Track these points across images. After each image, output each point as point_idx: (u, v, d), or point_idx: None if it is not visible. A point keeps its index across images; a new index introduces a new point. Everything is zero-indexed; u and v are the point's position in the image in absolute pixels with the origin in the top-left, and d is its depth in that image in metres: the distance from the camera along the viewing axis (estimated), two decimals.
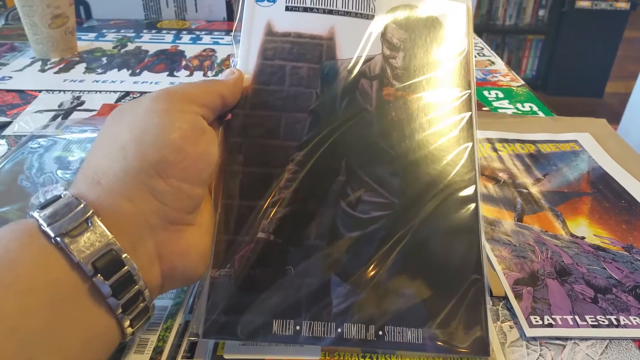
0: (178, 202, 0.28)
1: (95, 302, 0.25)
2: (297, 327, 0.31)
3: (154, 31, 0.94)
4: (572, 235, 0.45)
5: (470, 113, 0.38)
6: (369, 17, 0.40)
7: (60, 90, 0.69)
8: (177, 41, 0.89)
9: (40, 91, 0.69)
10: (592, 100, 2.82)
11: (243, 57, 0.38)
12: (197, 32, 0.94)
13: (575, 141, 0.60)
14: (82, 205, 0.25)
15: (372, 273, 0.33)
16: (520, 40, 2.90)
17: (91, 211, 0.25)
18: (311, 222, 0.34)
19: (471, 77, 0.39)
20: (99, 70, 0.76)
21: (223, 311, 0.31)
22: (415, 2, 0.41)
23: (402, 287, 0.32)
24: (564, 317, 0.37)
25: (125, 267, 0.25)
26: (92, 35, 0.90)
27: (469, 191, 0.35)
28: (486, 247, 0.43)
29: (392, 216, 0.34)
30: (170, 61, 0.79)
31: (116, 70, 0.76)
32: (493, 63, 0.85)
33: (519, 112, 0.68)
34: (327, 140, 0.36)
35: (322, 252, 0.33)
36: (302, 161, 0.35)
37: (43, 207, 0.25)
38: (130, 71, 0.75)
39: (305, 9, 0.39)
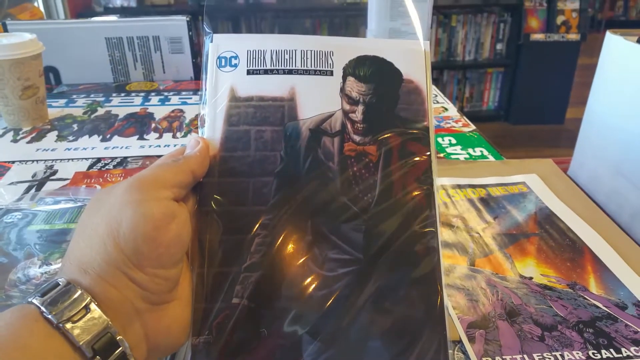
0: (156, 287, 0.31)
1: None
2: None
3: (123, 94, 0.97)
4: (520, 276, 0.49)
5: (430, 162, 0.39)
6: (328, 73, 0.40)
7: (33, 161, 0.71)
8: (146, 103, 0.92)
9: (13, 162, 0.71)
10: (554, 127, 2.93)
11: (210, 124, 0.39)
12: (165, 93, 0.98)
13: (523, 183, 0.64)
14: (79, 292, 0.28)
15: (341, 329, 0.34)
16: (480, 73, 3.03)
17: (89, 298, 0.28)
18: (281, 285, 0.35)
19: (430, 122, 0.40)
20: (70, 138, 0.78)
21: None
22: (371, 51, 0.41)
23: (370, 340, 0.34)
24: (514, 357, 0.40)
25: (120, 349, 0.28)
26: (62, 101, 0.93)
27: (430, 242, 0.37)
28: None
29: (357, 272, 0.36)
30: (140, 124, 0.83)
31: (87, 136, 0.79)
32: (446, 109, 0.90)
33: (471, 156, 0.73)
34: (293, 202, 0.37)
35: (292, 313, 0.34)
36: (271, 225, 0.37)
37: (43, 294, 0.28)
38: (100, 137, 0.78)
39: (266, 71, 0.40)
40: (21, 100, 0.80)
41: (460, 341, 0.41)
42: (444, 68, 2.96)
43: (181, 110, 0.89)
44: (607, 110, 0.63)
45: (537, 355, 0.40)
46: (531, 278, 0.48)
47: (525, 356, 0.40)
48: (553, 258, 0.51)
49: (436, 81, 1.06)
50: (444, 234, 0.54)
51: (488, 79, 3.03)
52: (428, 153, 0.39)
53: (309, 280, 0.35)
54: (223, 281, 0.35)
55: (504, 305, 0.45)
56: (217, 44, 0.41)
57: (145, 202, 0.32)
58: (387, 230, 0.37)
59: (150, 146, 0.75)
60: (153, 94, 0.98)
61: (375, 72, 0.40)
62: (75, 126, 0.83)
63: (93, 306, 0.28)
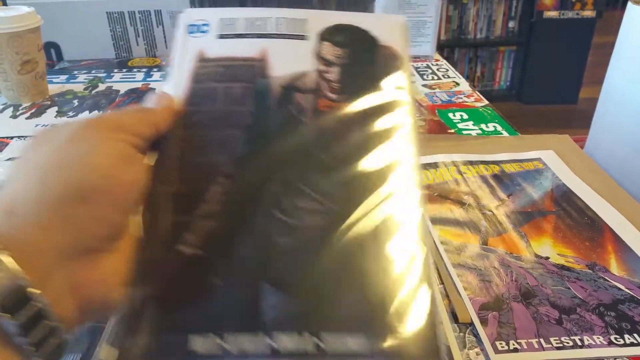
0: (99, 229, 0.28)
1: (2, 343, 0.24)
2: (221, 342, 0.28)
3: (124, 70, 0.95)
4: (536, 255, 0.46)
5: (410, 120, 0.38)
6: (302, 37, 0.40)
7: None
8: (148, 79, 0.90)
9: (12, 138, 0.69)
10: (567, 107, 2.88)
11: (174, 83, 0.37)
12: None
13: (539, 159, 0.61)
14: None
15: (309, 278, 0.31)
16: (492, 52, 2.96)
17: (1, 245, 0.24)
18: (241, 234, 0.33)
19: (409, 88, 0.39)
20: (70, 114, 0.76)
21: (136, 333, 0.29)
22: (348, 21, 0.41)
23: (340, 291, 0.31)
24: (529, 340, 0.38)
25: (35, 303, 0.24)
26: (63, 77, 0.91)
27: (411, 193, 0.35)
28: (453, 273, 0.44)
29: (329, 220, 0.33)
30: (141, 100, 0.80)
31: (87, 112, 0.77)
32: (457, 84, 0.87)
33: (484, 132, 0.70)
34: (262, 153, 0.36)
35: (253, 263, 0.32)
36: (235, 175, 0.35)
37: None
38: (101, 112, 0.76)
39: (238, 36, 0.40)
40: (20, 75, 0.78)
41: (471, 323, 0.39)
42: (455, 46, 2.90)
43: None
44: (627, 85, 0.60)
45: (555, 340, 0.38)
46: (547, 258, 0.46)
47: (541, 340, 0.38)
48: (571, 237, 0.48)
49: (447, 60, 1.05)
50: (455, 212, 0.52)
51: (500, 57, 2.97)
52: (408, 113, 0.38)
53: (274, 229, 0.33)
54: (173, 230, 0.32)
55: (519, 286, 0.43)
56: (188, 14, 0.40)
57: (104, 139, 0.29)
58: (364, 182, 0.35)
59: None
60: (155, 69, 0.95)
61: (351, 38, 0.40)
62: (75, 102, 0.80)
63: (3, 255, 0.24)
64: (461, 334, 0.39)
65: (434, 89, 0.86)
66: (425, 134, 0.70)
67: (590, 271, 0.44)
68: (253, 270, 0.32)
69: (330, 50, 0.39)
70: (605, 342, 0.37)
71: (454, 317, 0.40)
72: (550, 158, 0.62)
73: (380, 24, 0.41)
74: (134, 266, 0.31)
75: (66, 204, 0.27)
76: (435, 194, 0.55)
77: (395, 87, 0.39)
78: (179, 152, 0.35)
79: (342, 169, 0.36)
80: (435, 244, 0.47)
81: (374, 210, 0.34)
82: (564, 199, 0.54)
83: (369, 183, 0.35)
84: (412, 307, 0.30)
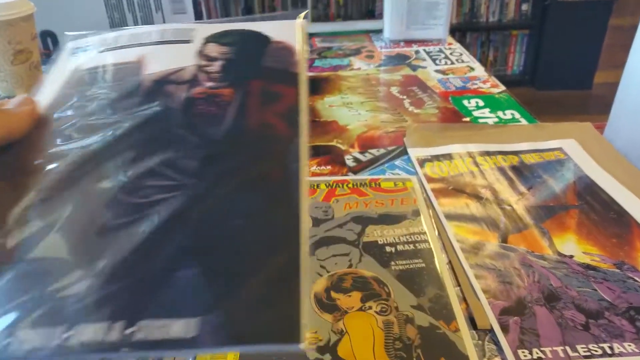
0: None
1: None
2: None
3: None
4: (559, 254, 0.43)
5: (296, 100, 0.35)
6: (185, 42, 0.39)
7: None
8: None
9: None
10: (582, 93, 2.81)
11: (43, 92, 0.36)
12: None
13: (560, 149, 0.58)
14: None
15: (134, 258, 0.27)
16: (505, 36, 2.89)
17: None
18: (63, 198, 0.30)
19: (300, 70, 0.37)
20: None
21: None
22: (239, 27, 0.40)
23: (175, 270, 0.26)
24: (554, 348, 0.34)
25: None
26: None
27: (290, 165, 0.31)
28: (470, 274, 0.41)
29: (178, 195, 0.30)
30: None
31: None
32: (472, 69, 0.83)
33: (501, 120, 0.66)
34: (109, 135, 0.33)
35: (51, 236, 0.28)
36: (70, 154, 0.32)
37: None
38: None
39: (119, 47, 0.39)
40: (13, 65, 0.75)
41: (491, 330, 0.36)
42: (467, 30, 2.83)
43: None
44: None
45: (582, 347, 0.34)
46: (571, 256, 0.43)
47: (567, 348, 0.34)
48: (596, 234, 0.45)
49: (459, 43, 1.01)
50: (472, 207, 0.49)
51: (513, 41, 2.89)
52: (294, 92, 0.36)
53: (108, 210, 0.29)
54: None
55: (542, 288, 0.39)
56: (75, 41, 0.40)
57: None
58: (234, 157, 0.32)
59: None
60: None
61: (239, 38, 0.39)
62: None
63: None
64: (480, 341, 0.35)
65: (447, 74, 0.81)
66: (437, 122, 0.66)
67: (618, 270, 0.41)
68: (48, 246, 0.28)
69: (214, 49, 0.38)
70: (637, 350, 0.34)
71: (472, 323, 0.37)
72: (572, 147, 0.58)
73: (273, 26, 0.41)
74: None
75: None
76: (450, 188, 0.51)
77: (284, 71, 0.37)
78: (23, 150, 0.33)
79: (209, 147, 0.33)
80: (450, 242, 0.44)
81: (242, 186, 0.30)
82: (587, 191, 0.50)
83: (241, 157, 0.32)
84: (269, 285, 0.25)
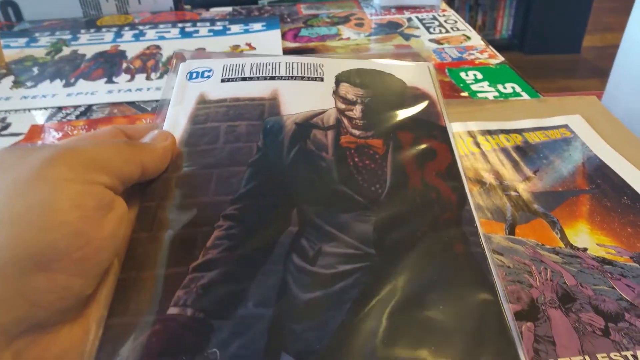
0: (59, 302, 0.21)
1: None
2: None
3: (92, 30, 0.84)
4: (572, 247, 0.39)
5: (453, 158, 0.34)
6: (318, 79, 0.37)
7: None
8: (118, 40, 0.80)
9: None
10: (570, 57, 2.76)
11: (170, 124, 0.34)
12: (141, 27, 0.84)
13: (566, 126, 0.53)
14: None
15: (345, 346, 0.24)
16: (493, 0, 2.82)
17: None
18: (250, 286, 0.26)
19: (447, 123, 0.36)
20: (29, 84, 0.67)
21: None
22: (369, 67, 0.39)
23: None
24: (573, 359, 0.31)
25: None
26: (22, 40, 0.80)
27: (466, 226, 0.29)
28: None
29: (367, 269, 0.27)
30: (109, 65, 0.71)
31: (48, 81, 0.67)
32: (469, 38, 0.77)
33: (501, 94, 0.61)
34: (272, 190, 0.30)
35: (265, 324, 0.25)
36: (238, 215, 0.28)
37: None
38: (64, 81, 0.67)
39: (244, 79, 0.37)
40: None
41: None
42: None
43: (157, 47, 0.76)
44: None
45: (603, 357, 0.31)
46: (585, 249, 0.39)
47: (587, 358, 0.31)
48: (610, 222, 0.41)
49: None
50: (474, 194, 0.44)
51: (502, 5, 2.82)
52: (449, 150, 0.34)
53: (293, 279, 0.26)
54: (155, 287, 0.25)
55: (555, 287, 0.36)
56: (189, 64, 0.38)
57: (74, 184, 0.22)
58: (405, 221, 0.29)
59: (119, 90, 0.63)
60: (127, 28, 0.85)
61: (373, 80, 0.38)
62: (35, 69, 0.71)
63: None
64: None
65: (442, 43, 0.76)
66: None
67: (637, 265, 0.37)
68: (266, 335, 0.24)
69: (350, 90, 0.37)
70: None
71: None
72: (578, 124, 0.54)
73: (406, 69, 0.39)
74: (103, 337, 0.24)
75: (17, 272, 0.20)
76: None
77: (430, 124, 0.35)
78: (171, 195, 0.29)
79: (376, 207, 0.30)
80: None
81: (427, 255, 0.28)
82: (598, 174, 0.47)
83: (412, 221, 0.29)
84: None
